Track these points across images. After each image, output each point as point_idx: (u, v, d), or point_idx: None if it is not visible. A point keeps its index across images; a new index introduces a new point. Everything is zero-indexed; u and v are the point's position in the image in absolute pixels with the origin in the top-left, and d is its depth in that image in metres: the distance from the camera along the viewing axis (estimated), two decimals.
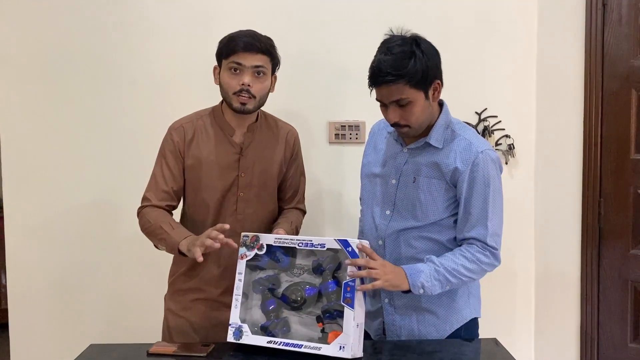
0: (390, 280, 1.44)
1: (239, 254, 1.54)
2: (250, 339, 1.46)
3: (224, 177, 1.73)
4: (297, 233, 1.84)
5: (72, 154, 2.37)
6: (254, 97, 1.65)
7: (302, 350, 1.41)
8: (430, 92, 1.52)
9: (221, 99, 1.76)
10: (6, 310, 2.43)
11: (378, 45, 2.44)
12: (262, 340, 1.45)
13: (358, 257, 1.45)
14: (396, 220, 1.62)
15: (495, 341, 1.60)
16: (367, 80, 1.52)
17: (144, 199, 1.74)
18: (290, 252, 1.53)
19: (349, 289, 1.41)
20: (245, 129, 1.75)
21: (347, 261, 1.41)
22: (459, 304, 1.63)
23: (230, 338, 1.47)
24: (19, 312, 2.41)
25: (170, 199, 1.74)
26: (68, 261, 2.39)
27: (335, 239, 1.46)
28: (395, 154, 1.66)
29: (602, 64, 2.23)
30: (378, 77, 1.48)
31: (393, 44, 1.49)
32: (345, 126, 2.37)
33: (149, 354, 1.48)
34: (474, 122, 2.38)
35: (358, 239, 1.70)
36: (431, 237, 1.60)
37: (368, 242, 1.48)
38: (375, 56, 1.53)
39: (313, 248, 1.49)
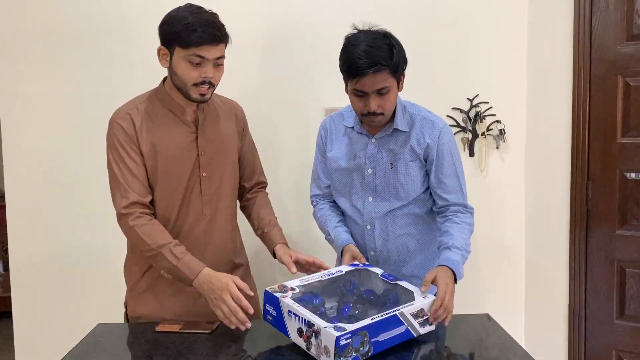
0: (453, 289, 1.55)
1: (279, 297, 1.43)
2: (354, 325, 1.30)
3: (184, 160, 1.65)
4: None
5: (71, 142, 2.39)
6: (213, 86, 1.62)
7: (402, 310, 1.39)
8: (401, 82, 1.67)
9: (162, 80, 1.70)
10: (9, 298, 2.47)
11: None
12: (366, 321, 1.33)
13: (370, 267, 1.66)
14: (381, 204, 1.77)
15: (487, 316, 1.67)
16: (347, 72, 1.61)
17: (124, 200, 1.57)
18: (316, 293, 1.52)
19: (387, 275, 1.61)
20: (195, 107, 1.68)
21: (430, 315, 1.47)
22: None
23: (335, 333, 1.25)
24: (22, 300, 2.44)
25: (148, 192, 1.62)
26: (69, 248, 2.43)
27: (347, 265, 1.68)
28: (365, 145, 1.77)
29: (590, 50, 2.27)
30: (364, 66, 1.55)
31: (369, 38, 1.59)
32: None
33: (156, 332, 1.54)
34: (466, 108, 2.44)
35: (328, 231, 1.87)
36: (412, 212, 1.78)
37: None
38: (347, 50, 1.61)
39: (333, 276, 1.60)
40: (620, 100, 2.24)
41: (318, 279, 1.57)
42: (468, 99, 2.45)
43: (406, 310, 1.41)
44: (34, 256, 2.42)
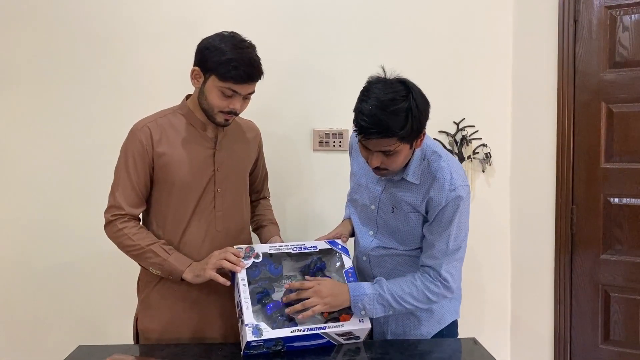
0: (330, 302, 1.50)
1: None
2: (272, 333, 1.42)
3: (200, 174, 1.67)
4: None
5: (55, 159, 2.36)
6: (237, 114, 1.66)
7: (327, 330, 1.47)
8: (416, 142, 1.49)
9: (184, 97, 1.73)
10: None
11: (363, 55, 2.51)
12: (286, 332, 1.43)
13: (348, 253, 1.64)
14: (380, 240, 1.66)
15: (474, 340, 1.66)
16: (355, 127, 1.43)
17: (114, 207, 1.63)
18: (280, 262, 1.63)
19: (350, 274, 1.60)
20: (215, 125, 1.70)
21: (285, 285, 1.54)
22: (443, 309, 1.68)
23: (250, 337, 1.40)
24: None
25: (142, 205, 1.67)
26: (47, 267, 2.38)
27: (325, 241, 1.67)
28: (374, 179, 1.65)
29: (574, 77, 2.32)
30: (369, 131, 1.39)
31: (386, 97, 1.39)
32: (329, 134, 2.42)
33: None
34: (452, 131, 2.46)
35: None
36: (415, 255, 1.64)
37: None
38: (362, 102, 1.42)
39: (306, 251, 1.62)
40: (604, 126, 2.28)
41: (289, 250, 1.62)
42: (454, 122, 2.47)
43: (332, 330, 1.48)
44: (9, 275, 2.37)
